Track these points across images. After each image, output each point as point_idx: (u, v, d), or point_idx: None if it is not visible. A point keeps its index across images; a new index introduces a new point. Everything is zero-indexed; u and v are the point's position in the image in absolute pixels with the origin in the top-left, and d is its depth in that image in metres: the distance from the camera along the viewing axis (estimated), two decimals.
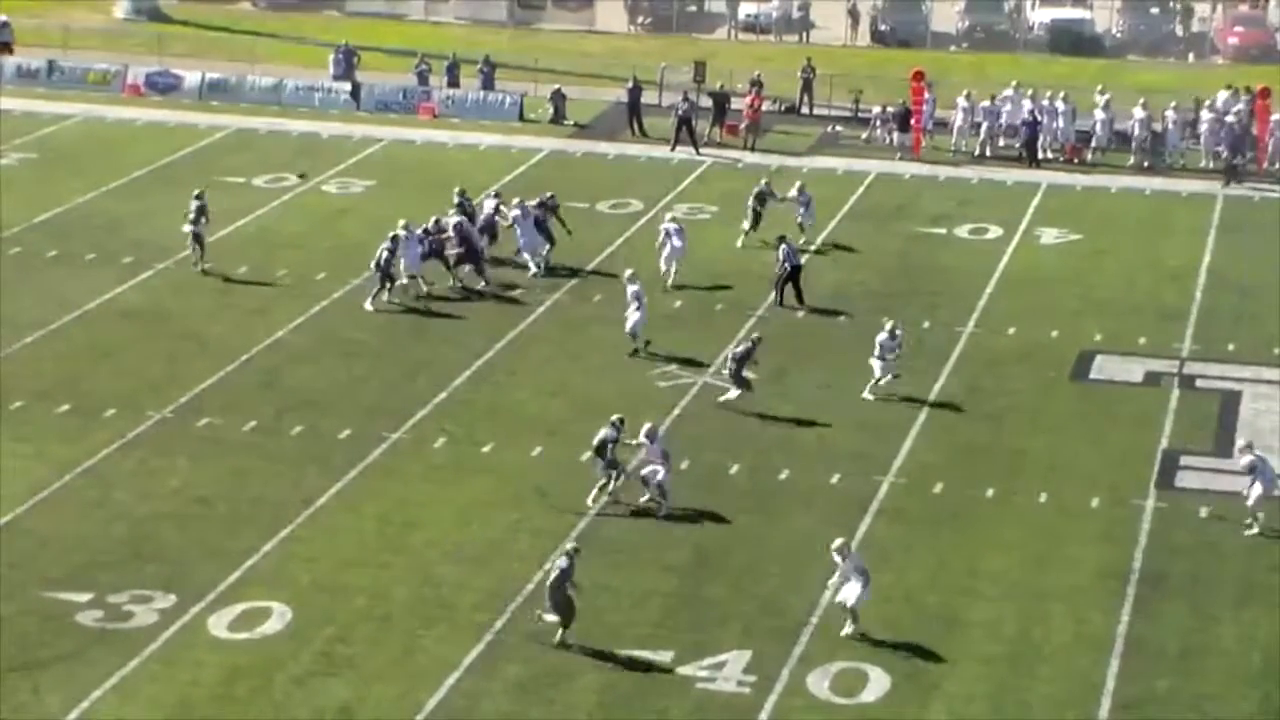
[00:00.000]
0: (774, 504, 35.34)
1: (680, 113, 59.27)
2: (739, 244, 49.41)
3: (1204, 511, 35.10)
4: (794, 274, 45.06)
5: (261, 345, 42.54)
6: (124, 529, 33.92)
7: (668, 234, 46.29)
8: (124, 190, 54.36)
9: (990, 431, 38.51)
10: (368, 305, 44.72)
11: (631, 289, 42.41)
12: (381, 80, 66.24)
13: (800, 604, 31.51)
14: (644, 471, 35.10)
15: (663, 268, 45.99)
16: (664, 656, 29.89)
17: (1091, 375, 41.60)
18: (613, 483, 35.16)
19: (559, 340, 43.35)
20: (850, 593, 30.28)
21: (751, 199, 49.71)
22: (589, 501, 34.97)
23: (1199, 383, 41.14)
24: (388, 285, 44.85)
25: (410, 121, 63.10)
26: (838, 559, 30.46)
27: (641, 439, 35.24)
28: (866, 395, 39.44)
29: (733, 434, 38.21)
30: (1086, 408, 39.86)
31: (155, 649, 29.89)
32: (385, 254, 44.69)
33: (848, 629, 30.30)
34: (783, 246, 45.25)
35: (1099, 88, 59.90)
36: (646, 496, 35.06)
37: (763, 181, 50.70)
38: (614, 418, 35.49)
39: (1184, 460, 37.34)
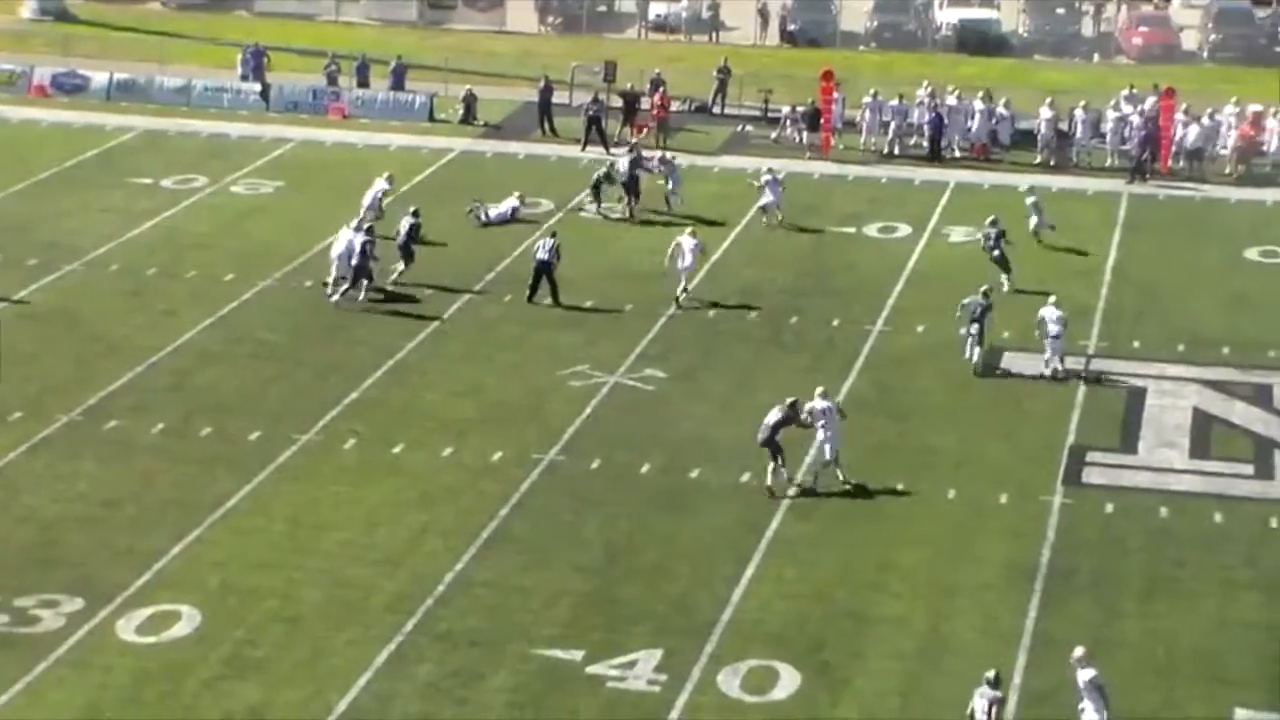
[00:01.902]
0: (685, 503, 35.43)
1: (590, 113, 59.33)
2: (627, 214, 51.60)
3: (1110, 507, 35.40)
4: (546, 270, 45.05)
5: (170, 347, 42.32)
6: (31, 533, 33.71)
7: (679, 246, 45.29)
8: (30, 192, 53.92)
9: (899, 429, 38.72)
10: (334, 298, 44.83)
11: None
12: (291, 81, 65.90)
13: (711, 602, 31.62)
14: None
15: (681, 281, 45.34)
16: (575, 656, 29.93)
17: (1000, 371, 41.86)
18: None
19: (470, 340, 43.31)
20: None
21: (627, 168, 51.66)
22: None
23: (1105, 379, 41.48)
24: (363, 283, 44.77)
25: (320, 122, 62.85)
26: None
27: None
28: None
29: (644, 433, 38.27)
30: (995, 404, 40.13)
31: (63, 653, 29.73)
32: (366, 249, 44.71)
33: None
34: (545, 241, 45.44)
35: (981, 93, 60.21)
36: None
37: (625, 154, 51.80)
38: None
39: (1090, 456, 37.65)
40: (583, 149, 58.90)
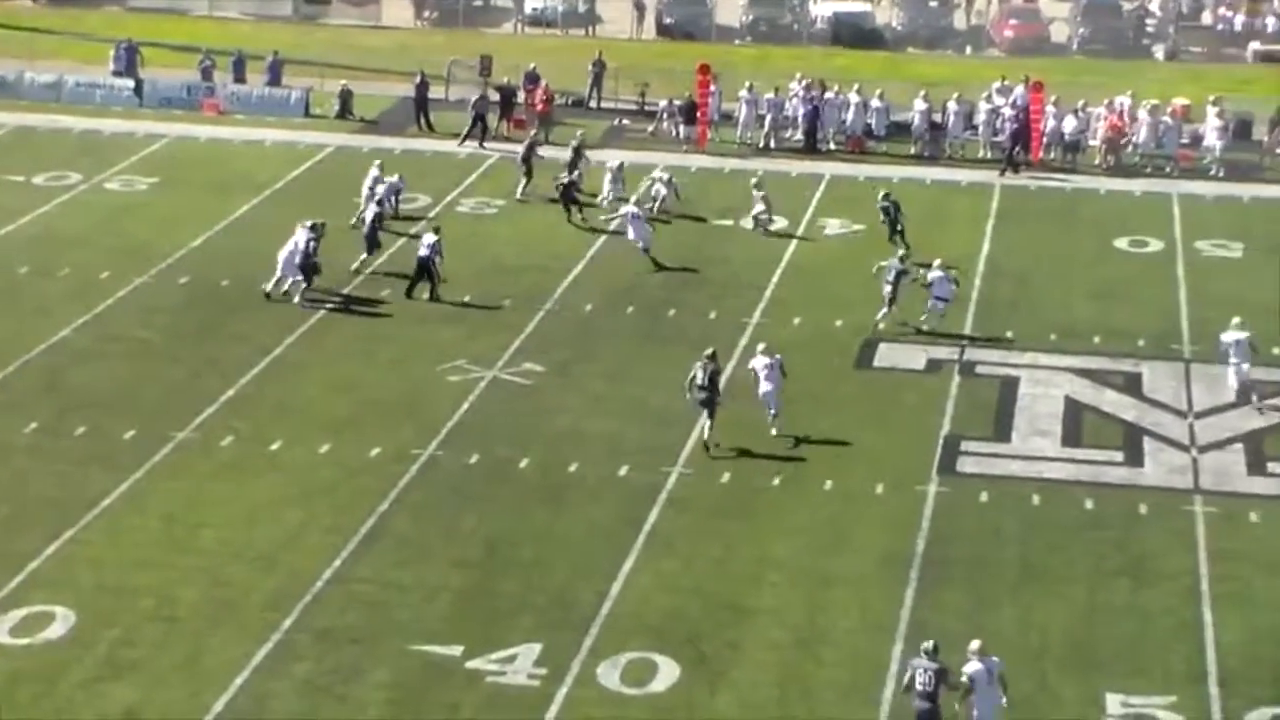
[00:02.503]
0: (563, 497, 35.51)
1: (477, 108, 59.26)
2: (518, 195, 52.23)
3: (984, 496, 35.78)
4: (427, 266, 45.05)
5: (43, 345, 41.95)
6: None
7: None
8: None
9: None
10: (296, 300, 44.61)
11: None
12: (165, 76, 65.44)
13: (590, 596, 31.72)
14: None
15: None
16: (454, 651, 29.95)
17: (875, 363, 42.22)
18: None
19: (347, 336, 43.19)
20: None
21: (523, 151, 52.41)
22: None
23: (979, 369, 41.90)
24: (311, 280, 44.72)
25: (195, 118, 62.43)
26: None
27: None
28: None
29: (522, 428, 38.33)
30: (870, 395, 40.44)
31: None
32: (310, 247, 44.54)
33: None
34: (428, 237, 45.53)
35: (856, 86, 60.69)
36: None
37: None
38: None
39: (965, 446, 38.02)
40: (460, 143, 58.81)
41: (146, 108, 63.22)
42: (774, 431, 37.84)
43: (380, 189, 49.90)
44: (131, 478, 35.71)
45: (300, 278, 44.56)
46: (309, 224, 45.15)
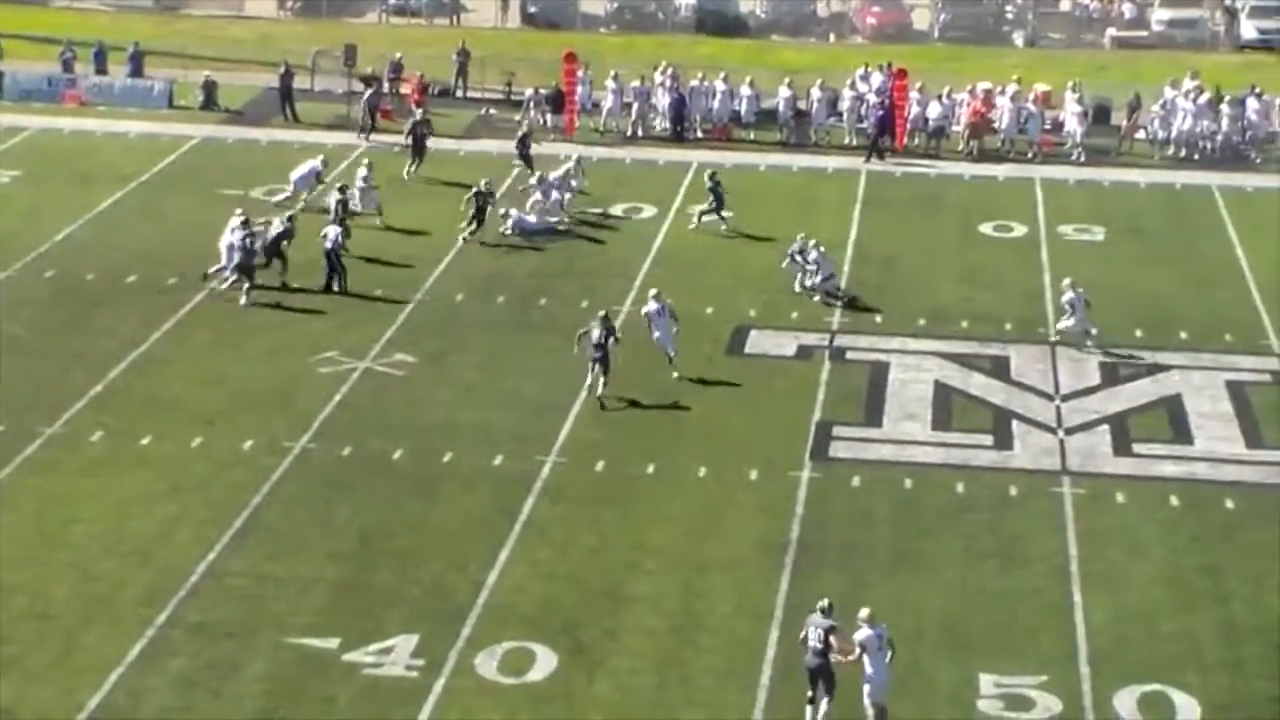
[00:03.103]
0: (437, 487, 35.47)
1: (369, 99, 58.88)
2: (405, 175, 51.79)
3: (856, 480, 36.08)
4: (335, 257, 45.00)
5: None
6: None
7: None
8: None
9: (650, 408, 39.05)
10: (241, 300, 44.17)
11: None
12: (25, 68, 64.65)
13: (466, 586, 31.71)
14: None
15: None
16: (330, 644, 29.85)
17: (747, 350, 42.44)
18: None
19: (216, 329, 42.90)
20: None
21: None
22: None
23: (849, 355, 42.22)
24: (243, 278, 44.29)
25: (57, 110, 61.75)
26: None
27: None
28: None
29: (395, 419, 38.24)
30: (742, 382, 40.64)
31: None
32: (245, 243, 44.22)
33: None
34: (332, 229, 45.38)
35: (722, 74, 61.00)
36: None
37: (483, 183, 50.10)
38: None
39: (837, 431, 38.31)
40: (366, 137, 58.34)
41: (7, 100, 62.46)
42: (675, 375, 39.38)
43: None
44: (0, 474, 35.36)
45: (237, 275, 44.34)
46: (242, 216, 44.97)
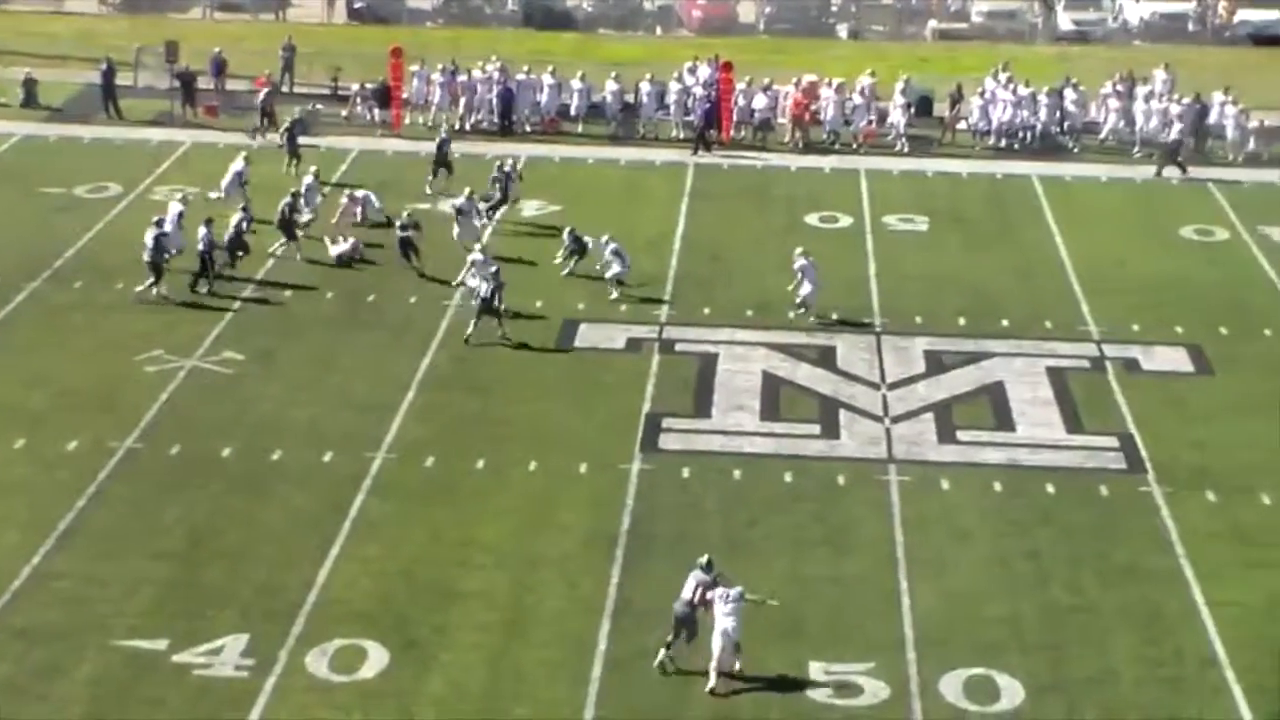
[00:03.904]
0: (267, 485, 35.29)
1: (263, 100, 58.25)
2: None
3: (686, 471, 36.30)
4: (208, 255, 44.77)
5: None
6: None
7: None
8: None
9: (479, 403, 39.09)
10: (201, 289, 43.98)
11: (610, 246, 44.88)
12: None
13: (296, 584, 31.59)
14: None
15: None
16: (159, 645, 29.64)
17: (576, 343, 42.56)
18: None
19: (40, 328, 42.38)
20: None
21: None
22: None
23: (678, 347, 42.45)
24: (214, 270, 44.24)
25: None
26: None
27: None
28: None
29: (223, 417, 37.99)
30: (572, 375, 40.75)
31: None
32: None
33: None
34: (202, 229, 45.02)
35: (549, 67, 61.09)
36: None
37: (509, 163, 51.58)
38: None
39: (666, 423, 38.52)
40: (263, 136, 57.70)
41: None
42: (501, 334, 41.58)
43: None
44: None
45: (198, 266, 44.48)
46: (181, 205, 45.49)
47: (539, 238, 49.03)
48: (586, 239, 45.89)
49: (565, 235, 46.51)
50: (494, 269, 42.63)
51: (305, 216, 48.07)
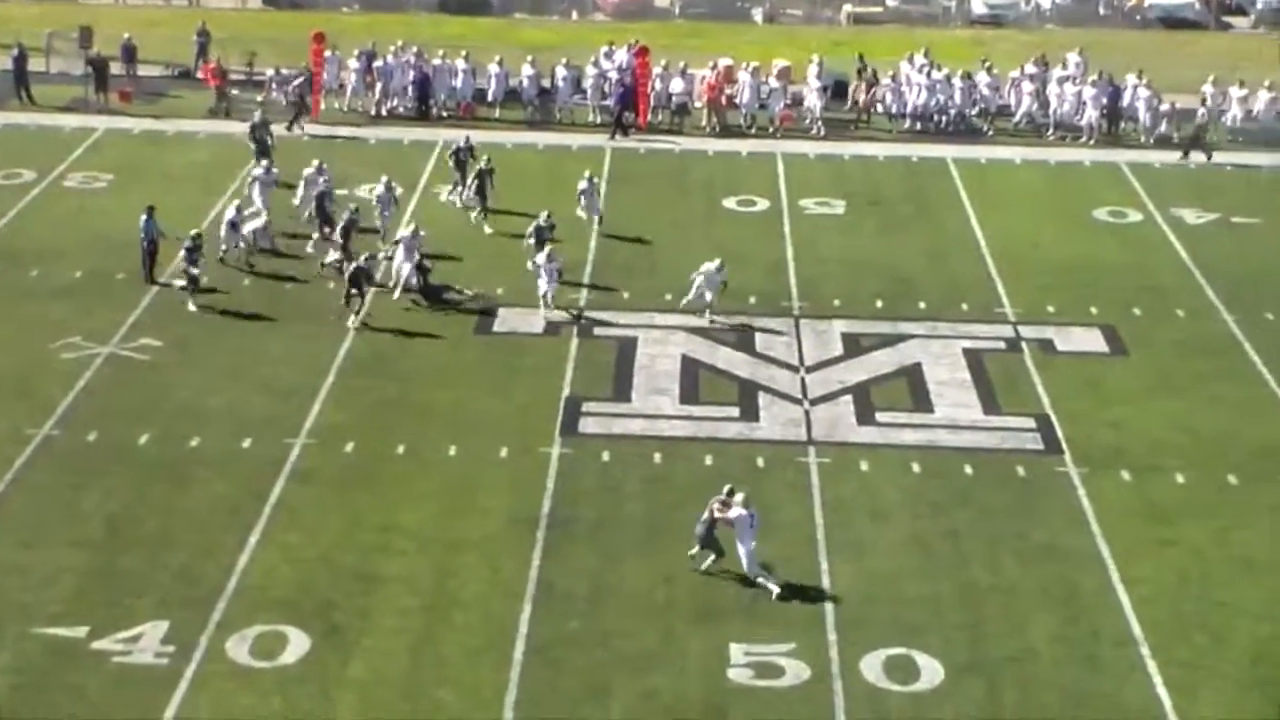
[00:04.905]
0: (186, 472, 35.16)
1: (299, 87, 58.04)
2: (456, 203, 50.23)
3: (607, 455, 36.38)
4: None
5: None
6: None
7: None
8: None
9: (399, 389, 39.04)
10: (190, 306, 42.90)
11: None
12: None
13: (216, 571, 31.51)
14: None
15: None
16: (79, 632, 29.54)
17: (495, 328, 42.55)
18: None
19: None
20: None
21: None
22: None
23: (597, 331, 42.50)
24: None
25: None
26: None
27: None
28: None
29: (141, 404, 37.81)
30: (491, 360, 40.74)
31: None
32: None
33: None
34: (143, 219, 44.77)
35: (464, 52, 61.00)
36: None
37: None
38: None
39: (586, 407, 38.60)
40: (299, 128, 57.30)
41: None
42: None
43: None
44: None
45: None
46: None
47: (457, 222, 48.94)
48: (545, 230, 45.38)
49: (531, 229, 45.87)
50: (420, 252, 42.50)
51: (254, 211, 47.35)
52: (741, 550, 31.59)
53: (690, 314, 42.90)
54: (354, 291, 42.05)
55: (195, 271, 42.93)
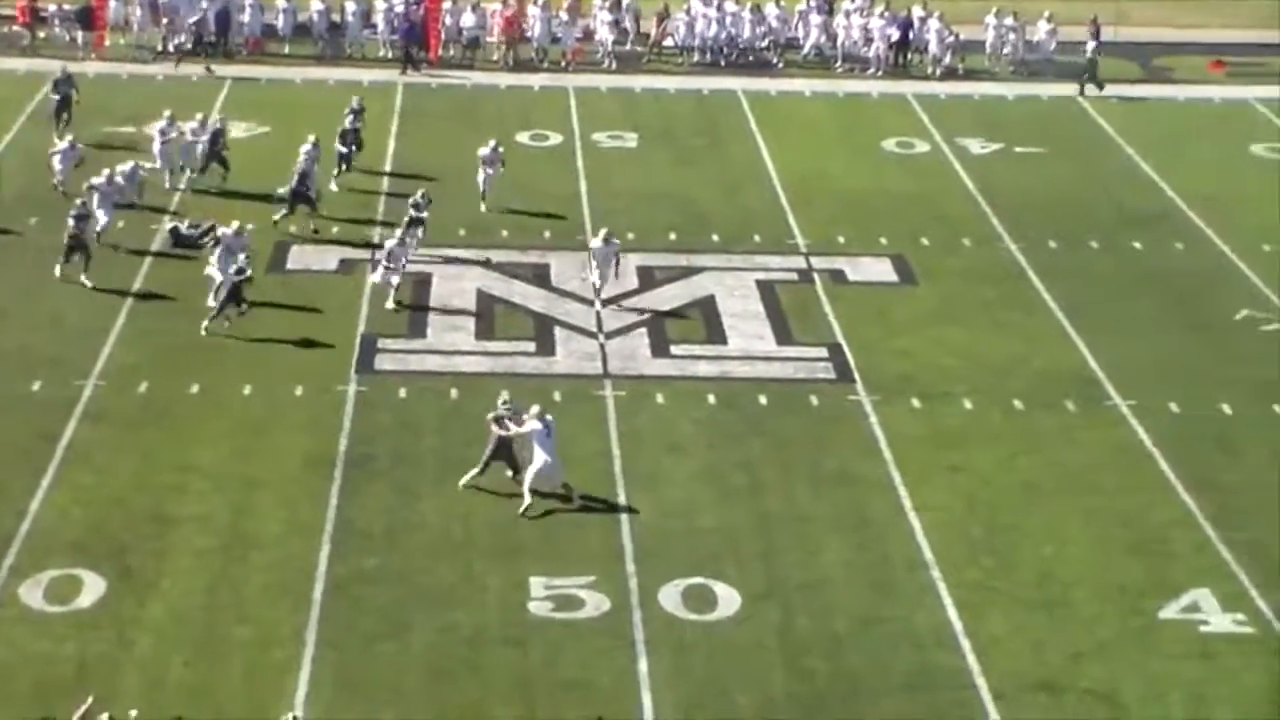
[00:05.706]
0: None
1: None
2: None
3: (403, 392, 36.37)
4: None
5: None
6: None
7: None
8: None
9: (190, 329, 38.63)
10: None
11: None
12: None
13: (7, 514, 31.13)
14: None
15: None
16: None
17: (288, 266, 42.30)
18: None
19: None
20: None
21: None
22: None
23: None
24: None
25: None
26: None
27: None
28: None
29: None
30: (285, 298, 40.46)
31: None
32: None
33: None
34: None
35: None
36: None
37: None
38: None
39: (382, 344, 38.52)
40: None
41: None
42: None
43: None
44: None
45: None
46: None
47: (245, 156, 48.44)
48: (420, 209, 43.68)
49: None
50: (244, 256, 40.01)
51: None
52: (545, 461, 31.80)
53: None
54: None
55: None
